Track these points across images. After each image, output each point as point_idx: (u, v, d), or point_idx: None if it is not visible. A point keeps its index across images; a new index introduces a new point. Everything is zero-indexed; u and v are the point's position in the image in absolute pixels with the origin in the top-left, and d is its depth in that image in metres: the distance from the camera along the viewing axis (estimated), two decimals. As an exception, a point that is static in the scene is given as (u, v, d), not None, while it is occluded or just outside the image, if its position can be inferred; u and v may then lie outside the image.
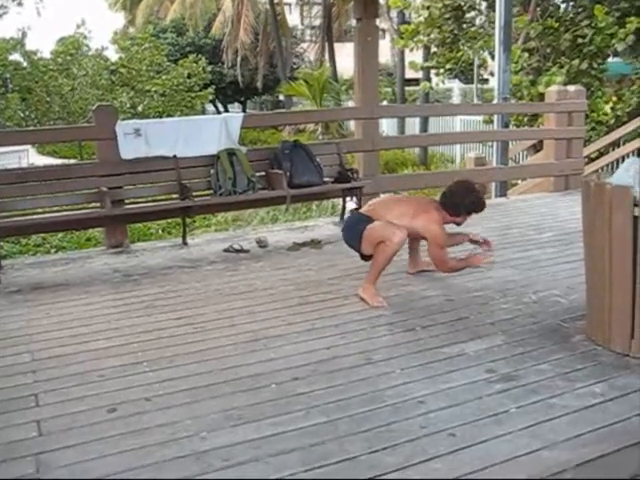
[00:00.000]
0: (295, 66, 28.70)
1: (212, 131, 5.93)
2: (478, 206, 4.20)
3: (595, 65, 10.23)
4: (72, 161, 14.56)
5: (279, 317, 3.93)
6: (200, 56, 20.24)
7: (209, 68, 20.33)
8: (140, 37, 19.90)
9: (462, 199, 4.16)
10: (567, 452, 2.45)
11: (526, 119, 10.66)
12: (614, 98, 10.23)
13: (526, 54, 10.45)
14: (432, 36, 11.90)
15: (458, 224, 4.32)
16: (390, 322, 3.83)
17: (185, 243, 5.80)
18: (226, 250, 5.51)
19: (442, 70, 12.32)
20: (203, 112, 22.56)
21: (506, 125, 8.48)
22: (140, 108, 17.39)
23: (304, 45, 31.34)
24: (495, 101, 8.40)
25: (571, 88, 7.90)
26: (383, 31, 24.96)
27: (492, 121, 10.15)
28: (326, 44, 26.97)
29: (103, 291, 4.57)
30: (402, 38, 12.26)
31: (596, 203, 3.39)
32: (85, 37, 18.65)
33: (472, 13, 11.96)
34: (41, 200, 5.57)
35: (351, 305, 4.10)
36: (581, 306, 3.79)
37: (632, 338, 3.27)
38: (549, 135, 8.00)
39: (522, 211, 6.87)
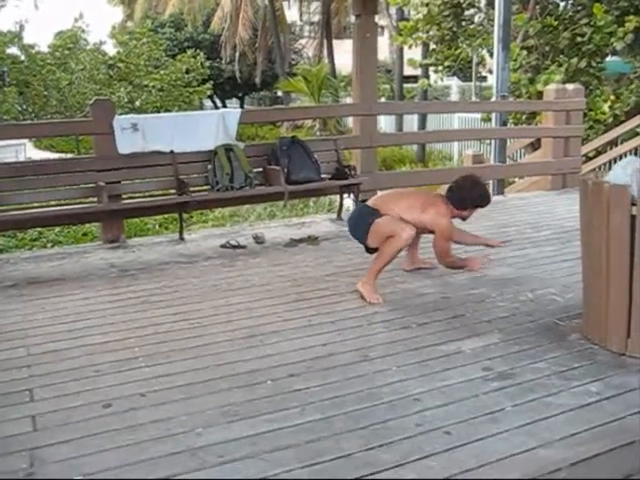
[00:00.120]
0: (293, 62, 28.66)
1: (210, 126, 5.91)
2: (484, 200, 4.28)
3: (594, 64, 10.23)
4: (69, 155, 14.52)
5: (276, 313, 3.92)
6: (198, 51, 20.18)
7: (207, 63, 20.27)
8: (138, 32, 19.85)
9: (469, 193, 4.21)
10: (563, 451, 2.45)
11: (524, 117, 10.65)
12: (612, 97, 10.22)
13: (525, 52, 10.43)
14: (431, 33, 11.88)
15: (464, 218, 4.37)
16: (386, 319, 3.83)
17: (182, 238, 5.79)
18: (223, 246, 5.51)
19: (441, 67, 12.30)
20: (201, 107, 22.52)
21: (504, 123, 8.47)
22: (138, 103, 17.35)
23: (303, 41, 31.29)
24: (493, 99, 8.39)
25: (570, 86, 7.90)
26: (382, 28, 24.90)
27: (490, 119, 10.15)
28: (325, 40, 26.91)
29: (99, 286, 4.56)
30: (401, 35, 12.23)
31: (594, 202, 3.39)
32: (83, 31, 18.62)
33: (471, 10, 11.95)
34: (38, 194, 5.56)
35: (348, 302, 4.10)
36: (577, 305, 3.79)
37: (628, 337, 3.27)
38: (547, 133, 8.00)
39: (519, 209, 6.87)
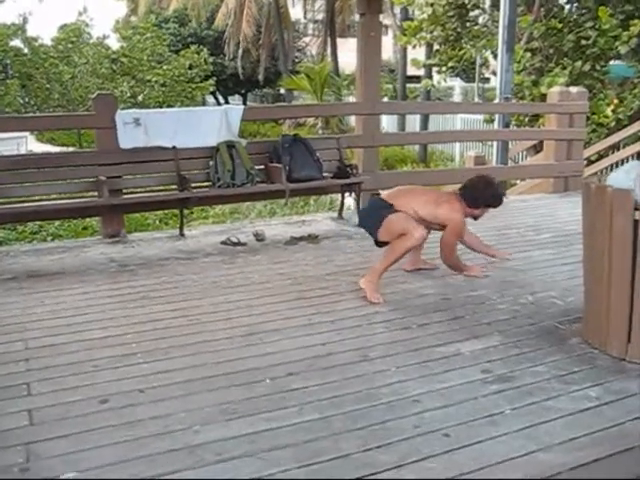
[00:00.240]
0: (297, 60, 28.62)
1: (212, 123, 5.90)
2: (496, 200, 4.35)
3: (598, 67, 10.21)
4: (71, 149, 14.52)
5: (275, 311, 3.91)
6: (202, 47, 20.13)
7: (210, 59, 20.21)
8: (142, 26, 19.80)
9: (482, 192, 4.28)
10: (562, 455, 2.44)
11: (527, 119, 10.63)
12: (615, 101, 10.21)
13: (529, 54, 10.42)
14: (435, 33, 11.86)
15: (475, 218, 4.41)
16: (386, 319, 3.82)
17: (182, 234, 5.78)
18: (223, 243, 5.49)
19: (444, 68, 12.27)
20: (203, 103, 22.50)
21: (507, 125, 8.45)
22: (140, 98, 17.30)
23: (306, 39, 31.27)
24: (497, 100, 8.38)
25: (573, 89, 7.88)
26: (386, 27, 24.83)
27: (493, 120, 10.14)
28: (328, 39, 26.91)
29: (99, 281, 4.55)
30: (405, 35, 12.21)
31: (597, 205, 3.38)
32: (87, 25, 18.54)
33: (476, 11, 11.92)
34: (39, 187, 5.54)
35: (348, 301, 4.09)
36: (578, 308, 3.78)
37: (629, 342, 3.26)
38: (550, 136, 7.99)
39: (521, 211, 6.86)
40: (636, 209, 3.16)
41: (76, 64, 17.30)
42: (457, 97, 26.28)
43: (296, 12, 31.23)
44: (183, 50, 19.73)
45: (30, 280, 4.58)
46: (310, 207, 10.33)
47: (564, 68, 10.01)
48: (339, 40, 26.79)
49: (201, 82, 18.95)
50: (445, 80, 13.48)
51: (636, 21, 9.51)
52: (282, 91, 29.22)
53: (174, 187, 5.69)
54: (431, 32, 11.84)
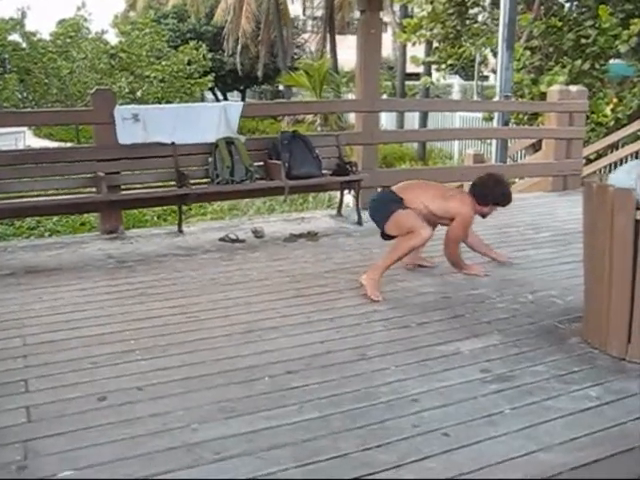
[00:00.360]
0: (296, 56, 28.61)
1: (211, 119, 5.88)
2: (505, 198, 4.40)
3: (597, 66, 10.20)
4: (69, 144, 14.49)
5: (274, 309, 3.90)
6: (201, 43, 20.12)
7: (209, 55, 20.20)
8: (141, 22, 19.77)
9: (491, 190, 4.35)
10: (563, 455, 2.43)
11: (526, 118, 10.62)
12: (615, 100, 10.20)
13: (528, 52, 10.41)
14: (435, 31, 11.83)
15: (484, 215, 4.46)
16: (386, 318, 3.80)
17: (180, 231, 5.76)
18: (222, 239, 5.48)
19: (443, 66, 12.26)
20: (202, 100, 22.49)
21: (506, 123, 8.45)
22: (139, 93, 17.29)
23: (305, 36, 31.27)
24: (496, 98, 8.37)
25: (573, 88, 7.87)
26: (385, 24, 24.75)
27: (492, 118, 10.13)
28: (328, 35, 26.87)
29: (97, 277, 4.53)
30: (404, 32, 12.18)
31: (598, 205, 3.37)
32: (85, 20, 18.52)
33: (476, 9, 11.90)
34: (37, 183, 5.51)
35: (347, 299, 4.08)
36: (578, 307, 3.76)
37: (629, 342, 3.25)
38: (549, 134, 7.97)
39: (520, 210, 6.82)
40: (637, 209, 3.14)
41: (74, 59, 17.27)
42: (456, 95, 26.31)
43: (295, 9, 31.25)
44: (182, 46, 19.72)
45: (28, 276, 4.56)
46: (309, 204, 10.30)
47: (564, 67, 10.00)
48: (338, 37, 26.76)
49: (200, 78, 18.95)
50: (444, 78, 13.48)
51: (636, 20, 9.51)
52: (281, 88, 29.21)
53: (173, 183, 5.67)
54: (431, 29, 11.82)
